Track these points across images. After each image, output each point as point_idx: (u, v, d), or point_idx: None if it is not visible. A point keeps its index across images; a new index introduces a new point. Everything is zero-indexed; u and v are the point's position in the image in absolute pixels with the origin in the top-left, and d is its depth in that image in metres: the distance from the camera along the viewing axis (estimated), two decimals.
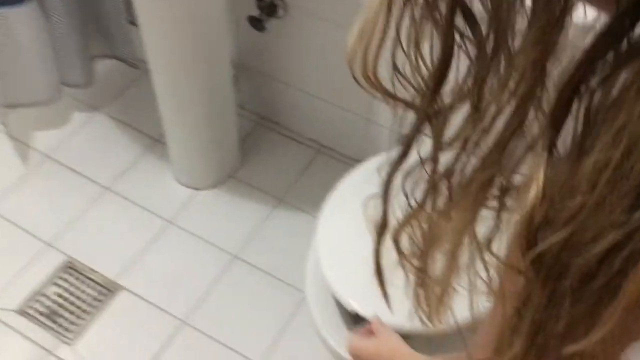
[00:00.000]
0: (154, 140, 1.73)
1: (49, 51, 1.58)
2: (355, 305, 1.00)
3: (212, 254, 1.52)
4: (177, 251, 1.53)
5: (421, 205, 0.38)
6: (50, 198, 1.61)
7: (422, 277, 0.41)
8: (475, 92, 0.34)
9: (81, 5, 1.61)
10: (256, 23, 1.44)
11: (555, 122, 0.31)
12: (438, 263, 0.40)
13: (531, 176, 0.32)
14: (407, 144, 0.38)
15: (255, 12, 1.44)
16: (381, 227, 0.41)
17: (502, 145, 0.33)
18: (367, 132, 1.61)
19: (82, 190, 1.62)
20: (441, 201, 0.38)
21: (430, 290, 0.41)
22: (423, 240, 0.40)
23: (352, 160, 1.68)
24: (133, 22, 1.55)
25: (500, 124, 0.33)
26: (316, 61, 1.53)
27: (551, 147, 0.31)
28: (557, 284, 0.32)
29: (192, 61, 1.39)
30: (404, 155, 0.38)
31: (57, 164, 1.67)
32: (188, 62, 1.39)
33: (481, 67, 0.33)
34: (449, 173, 0.37)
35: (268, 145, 1.73)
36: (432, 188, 0.38)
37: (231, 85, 1.51)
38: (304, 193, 1.63)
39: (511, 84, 0.32)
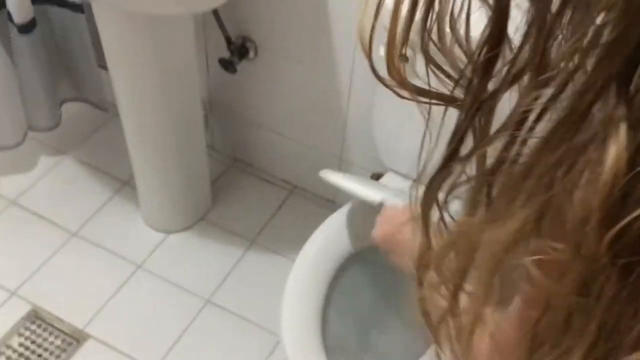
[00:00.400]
0: (123, 183, 1.70)
1: (15, 95, 1.56)
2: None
3: (184, 298, 1.48)
4: (148, 297, 1.48)
5: (470, 214, 0.33)
6: (16, 245, 1.56)
7: (456, 304, 0.36)
8: (537, 56, 0.29)
9: (49, 49, 1.60)
10: (227, 65, 1.44)
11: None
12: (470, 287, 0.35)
13: (608, 139, 0.27)
14: (454, 147, 0.33)
15: (226, 54, 1.44)
16: (423, 255, 0.36)
17: (579, 113, 0.28)
18: (339, 172, 1.61)
19: (49, 236, 1.57)
20: (490, 205, 0.32)
21: (463, 320, 0.36)
22: (465, 258, 0.34)
23: (324, 201, 1.68)
24: (103, 66, 1.54)
25: (569, 90, 0.28)
26: (287, 102, 1.54)
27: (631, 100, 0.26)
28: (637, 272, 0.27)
29: (162, 103, 1.38)
30: (449, 161, 0.33)
31: (23, 210, 1.63)
32: (158, 104, 1.38)
33: (543, 23, 0.28)
34: (497, 168, 0.31)
35: (240, 186, 1.72)
36: (480, 192, 0.33)
37: (202, 127, 1.51)
38: (277, 234, 1.61)
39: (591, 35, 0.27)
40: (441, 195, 0.35)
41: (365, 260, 1.14)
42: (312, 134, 1.58)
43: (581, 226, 0.28)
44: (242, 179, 1.73)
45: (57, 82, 1.67)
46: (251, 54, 1.46)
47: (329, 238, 1.13)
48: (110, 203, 1.66)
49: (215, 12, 1.38)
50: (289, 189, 1.72)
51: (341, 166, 1.60)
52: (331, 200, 1.67)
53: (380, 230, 0.87)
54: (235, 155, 1.77)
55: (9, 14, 1.45)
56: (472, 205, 0.33)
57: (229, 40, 1.43)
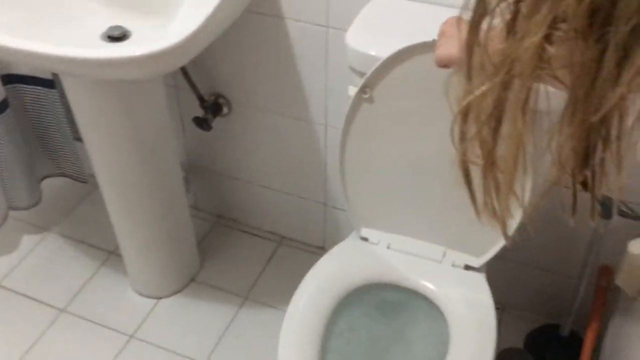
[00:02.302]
0: (109, 254, 1.68)
1: None
2: None
3: None
4: None
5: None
6: (4, 327, 1.52)
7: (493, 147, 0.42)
8: None
9: (24, 128, 1.60)
10: (202, 123, 1.45)
11: None
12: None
13: None
14: None
15: (199, 113, 1.46)
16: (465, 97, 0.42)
17: None
18: (325, 218, 1.61)
19: (37, 315, 1.54)
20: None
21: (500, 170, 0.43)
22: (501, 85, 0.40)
23: (314, 248, 1.66)
24: (78, 139, 1.55)
25: None
26: (266, 153, 1.55)
27: None
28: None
29: (140, 170, 1.37)
30: None
31: (8, 291, 1.60)
32: (136, 171, 1.37)
33: None
34: None
35: (227, 243, 1.70)
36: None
37: (182, 188, 1.50)
38: (270, 287, 1.59)
39: None
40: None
41: (358, 301, 1.13)
42: (294, 183, 1.58)
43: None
44: (228, 236, 1.72)
45: (34, 159, 1.67)
46: (225, 109, 1.47)
47: (319, 283, 1.12)
48: (98, 275, 1.64)
49: (185, 73, 1.40)
50: (277, 241, 1.70)
51: (327, 212, 1.59)
52: (320, 247, 1.66)
53: (442, 49, 0.82)
54: (219, 212, 1.76)
55: None
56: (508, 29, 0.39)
57: (201, 99, 1.44)
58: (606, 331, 1.27)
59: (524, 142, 0.41)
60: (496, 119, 0.42)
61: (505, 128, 0.41)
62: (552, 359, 1.37)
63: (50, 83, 1.51)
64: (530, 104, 0.40)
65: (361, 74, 1.05)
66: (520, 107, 0.40)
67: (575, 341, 1.33)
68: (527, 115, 0.40)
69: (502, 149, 0.43)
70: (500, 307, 1.53)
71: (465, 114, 0.44)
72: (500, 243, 1.11)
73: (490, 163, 0.44)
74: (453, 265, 1.15)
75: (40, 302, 1.57)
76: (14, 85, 1.52)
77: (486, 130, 0.43)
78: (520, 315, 1.49)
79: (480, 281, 1.13)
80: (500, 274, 1.45)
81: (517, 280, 1.46)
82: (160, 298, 1.58)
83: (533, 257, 1.41)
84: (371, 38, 1.06)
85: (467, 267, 1.15)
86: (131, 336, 1.50)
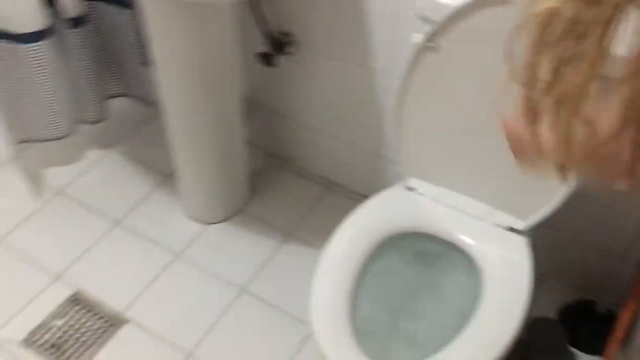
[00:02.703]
0: (165, 177, 1.75)
1: (65, 89, 1.63)
2: None
3: (220, 287, 1.51)
4: (185, 285, 1.52)
5: None
6: (61, 232, 1.62)
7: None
8: None
9: (97, 46, 1.67)
10: (267, 59, 1.48)
11: None
12: None
13: None
14: None
15: (265, 50, 1.48)
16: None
17: None
18: (376, 168, 1.63)
19: (93, 224, 1.63)
20: None
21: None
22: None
23: (361, 197, 1.68)
24: (145, 63, 1.60)
25: None
26: (325, 98, 1.56)
27: None
28: None
29: (202, 98, 1.42)
30: None
31: (69, 199, 1.70)
32: (199, 100, 1.42)
33: None
34: None
35: (277, 181, 1.75)
36: None
37: (241, 122, 1.54)
38: (313, 228, 1.63)
39: None
40: None
41: (397, 246, 1.15)
42: (350, 130, 1.59)
43: None
44: (279, 174, 1.76)
45: (104, 77, 1.74)
46: (290, 48, 1.49)
47: (361, 224, 1.14)
48: (153, 195, 1.71)
49: (256, 7, 1.42)
50: (326, 185, 1.74)
51: (378, 163, 1.61)
52: (366, 196, 1.68)
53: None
54: (273, 151, 1.80)
55: (61, 9, 1.52)
56: None
57: (269, 35, 1.46)
58: None
59: (596, 71, 0.37)
60: (577, 35, 0.37)
61: (581, 48, 0.37)
62: (585, 333, 1.36)
63: (126, 3, 1.56)
64: (613, 29, 0.36)
65: (429, 22, 1.04)
66: (602, 29, 0.36)
67: (610, 319, 1.32)
68: (607, 40, 0.36)
69: (570, 76, 0.39)
70: (539, 277, 1.52)
71: (543, 24, 0.39)
72: (546, 208, 1.11)
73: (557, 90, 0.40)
74: (496, 225, 1.15)
75: (97, 212, 1.66)
76: (92, 1, 1.58)
77: (563, 47, 0.38)
78: (558, 287, 1.48)
79: (521, 244, 1.13)
80: (544, 243, 1.44)
81: (560, 251, 1.45)
82: (208, 224, 1.64)
83: (579, 230, 1.39)
84: None
85: (511, 229, 1.15)
86: (177, 255, 1.57)
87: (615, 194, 1.30)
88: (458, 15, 1.00)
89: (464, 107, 1.09)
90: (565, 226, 1.39)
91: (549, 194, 1.09)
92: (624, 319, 1.22)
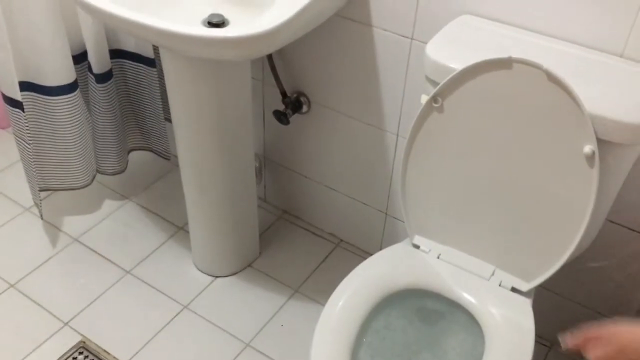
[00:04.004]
0: (177, 228, 1.78)
1: (88, 141, 1.69)
2: None
3: (225, 340, 1.51)
4: (191, 336, 1.52)
5: None
6: (74, 278, 1.65)
7: None
8: None
9: (122, 99, 1.74)
10: (281, 117, 1.53)
11: None
12: None
13: None
14: None
15: (280, 107, 1.53)
16: None
17: None
18: (385, 226, 1.64)
19: (103, 273, 1.66)
20: None
21: None
22: None
23: (369, 255, 1.69)
24: (168, 119, 1.67)
25: None
26: (336, 156, 1.60)
27: None
28: None
29: (218, 154, 1.46)
30: None
31: (83, 247, 1.73)
32: (214, 154, 1.46)
33: None
34: None
35: (287, 237, 1.77)
36: None
37: (254, 178, 1.58)
38: (320, 285, 1.64)
39: None
40: None
41: (399, 303, 1.15)
42: (360, 189, 1.62)
43: None
44: (290, 230, 1.78)
45: (127, 130, 1.81)
46: (304, 107, 1.54)
47: (364, 279, 1.15)
48: (165, 246, 1.74)
49: (272, 67, 1.48)
50: (335, 242, 1.75)
51: (387, 222, 1.62)
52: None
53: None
54: (284, 207, 1.83)
55: (89, 65, 1.60)
56: None
57: (284, 94, 1.52)
58: None
59: None
60: None
61: None
62: None
63: (152, 62, 1.64)
64: None
65: (436, 84, 1.08)
66: None
67: None
68: None
69: None
70: (549, 345, 1.50)
71: None
72: (550, 271, 1.11)
73: None
74: (500, 285, 1.15)
75: (110, 261, 1.69)
76: (120, 60, 1.66)
77: None
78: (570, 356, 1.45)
79: (524, 305, 1.13)
80: (552, 308, 1.43)
81: (568, 317, 1.43)
82: (218, 277, 1.66)
83: (584, 295, 1.38)
84: (450, 51, 1.10)
85: (514, 290, 1.15)
86: (185, 306, 1.58)
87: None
88: (462, 77, 1.04)
89: (468, 166, 1.12)
90: (568, 289, 1.38)
91: (554, 256, 1.10)
92: None
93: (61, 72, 1.54)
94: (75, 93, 1.58)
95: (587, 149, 0.97)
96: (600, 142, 0.97)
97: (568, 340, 0.70)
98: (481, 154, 1.09)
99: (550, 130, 1.00)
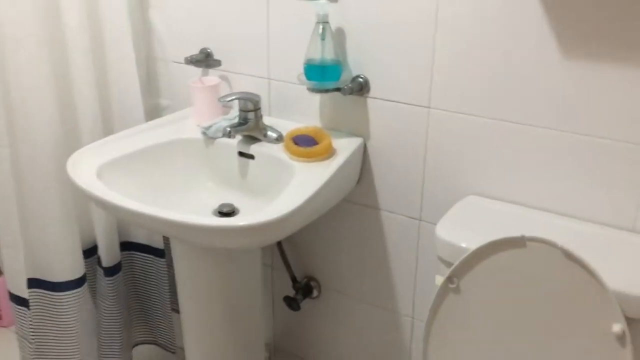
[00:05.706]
0: None
1: (92, 335, 1.63)
2: None
3: None
4: None
5: None
6: None
7: None
8: None
9: (129, 292, 1.71)
10: (292, 303, 1.49)
11: None
12: None
13: None
14: None
15: (290, 293, 1.50)
16: None
17: None
18: None
19: None
20: None
21: None
22: None
23: None
24: (175, 309, 1.63)
25: None
26: (349, 341, 1.54)
27: None
28: None
29: (226, 346, 1.41)
30: None
31: None
32: (223, 347, 1.40)
33: None
34: None
35: None
36: None
37: None
38: None
39: None
40: None
41: None
42: None
43: None
44: None
45: (133, 324, 1.76)
46: (315, 292, 1.51)
47: None
48: None
49: (282, 253, 1.48)
50: None
51: None
52: None
53: None
54: None
55: (98, 258, 1.60)
56: None
57: (294, 280, 1.50)
58: None
59: None
60: None
61: None
62: None
63: (161, 252, 1.64)
64: None
65: (449, 264, 1.07)
66: None
67: None
68: None
69: None
70: None
71: None
72: None
73: None
74: None
75: None
76: (129, 252, 1.67)
77: None
78: None
79: None
80: None
81: None
82: None
83: None
84: (461, 231, 1.10)
85: None
86: None
87: None
88: (476, 257, 1.03)
89: (491, 351, 1.06)
90: None
91: None
92: None
93: (71, 267, 1.53)
94: (82, 288, 1.56)
95: (617, 327, 0.93)
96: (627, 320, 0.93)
97: None
98: (504, 337, 1.04)
99: (573, 309, 0.97)
